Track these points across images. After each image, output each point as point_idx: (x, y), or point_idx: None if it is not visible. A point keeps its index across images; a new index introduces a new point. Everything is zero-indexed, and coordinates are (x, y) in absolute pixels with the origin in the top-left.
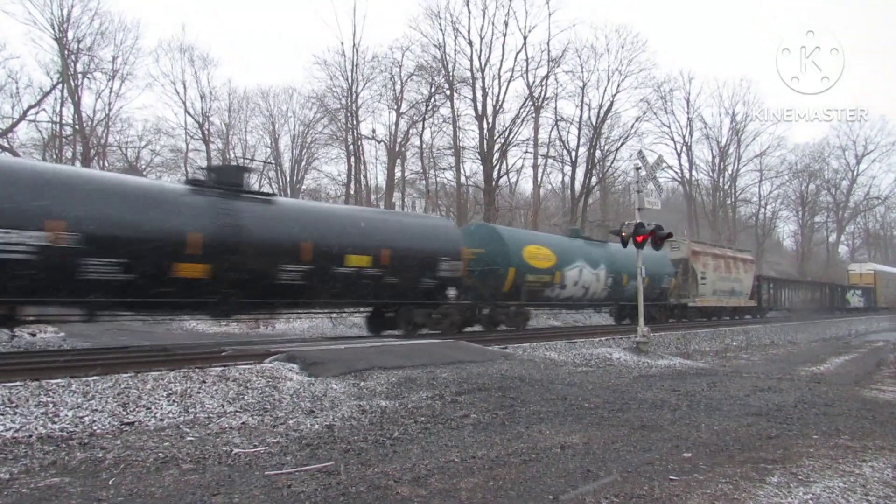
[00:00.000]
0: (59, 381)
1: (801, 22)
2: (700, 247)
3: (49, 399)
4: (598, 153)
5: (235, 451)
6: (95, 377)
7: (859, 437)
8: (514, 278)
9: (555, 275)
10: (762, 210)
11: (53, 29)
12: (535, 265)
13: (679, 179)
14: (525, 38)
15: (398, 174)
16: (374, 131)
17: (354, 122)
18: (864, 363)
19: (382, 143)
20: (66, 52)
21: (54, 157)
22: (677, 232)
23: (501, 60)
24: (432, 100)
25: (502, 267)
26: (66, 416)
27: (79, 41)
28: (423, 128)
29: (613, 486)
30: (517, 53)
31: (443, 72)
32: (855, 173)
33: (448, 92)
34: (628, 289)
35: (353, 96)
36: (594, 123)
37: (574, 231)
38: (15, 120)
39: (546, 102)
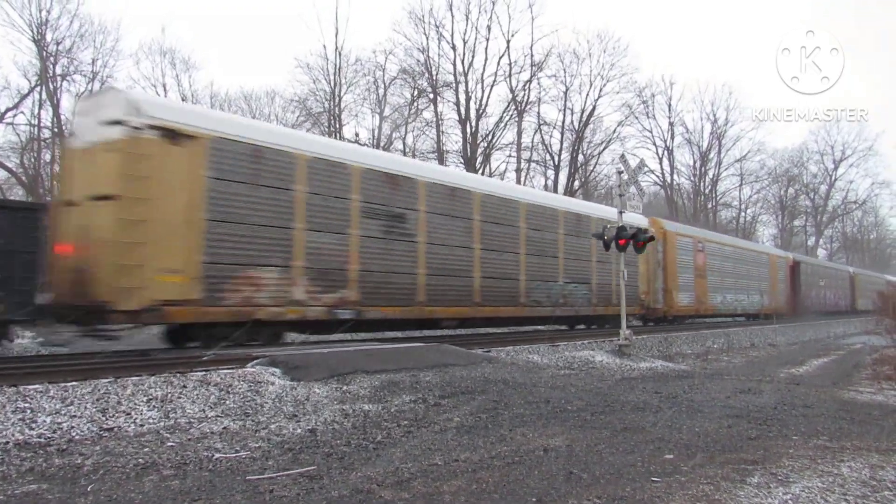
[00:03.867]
0: (36, 386)
1: (791, 23)
2: None
3: (27, 405)
4: (580, 157)
5: (217, 456)
6: (74, 383)
7: (837, 438)
8: None
9: None
10: (742, 214)
11: (32, 31)
12: None
13: (661, 183)
14: (508, 42)
15: None
16: (357, 135)
17: (337, 126)
18: (842, 365)
19: (365, 147)
20: (44, 54)
21: (32, 160)
22: None
23: (485, 65)
24: (415, 103)
25: None
26: (45, 421)
27: (58, 43)
28: (407, 131)
29: (596, 487)
30: (500, 58)
31: (426, 75)
32: (833, 178)
33: (431, 96)
34: None
35: (336, 100)
36: (577, 128)
37: None
38: None
39: (529, 107)
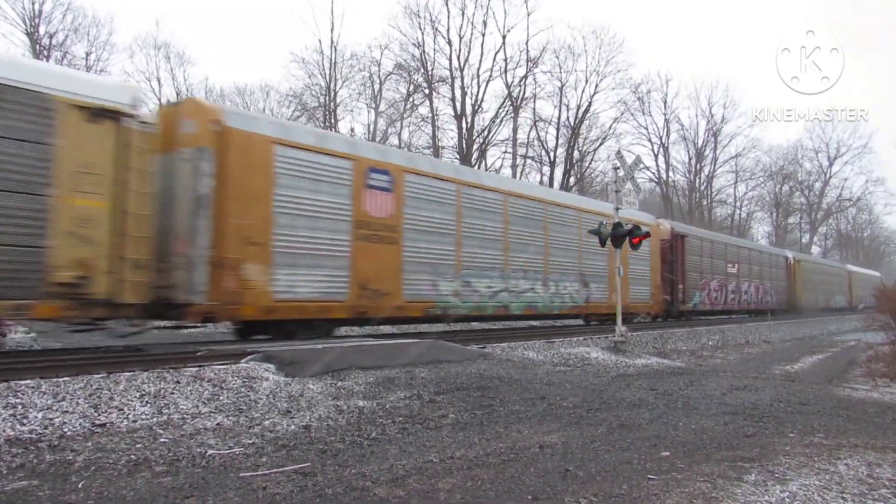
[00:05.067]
0: (28, 381)
1: (789, 21)
2: None
3: (18, 400)
4: (576, 153)
5: (210, 452)
6: (66, 378)
7: (834, 435)
8: None
9: None
10: (737, 211)
11: (25, 24)
12: None
13: (656, 180)
14: (504, 37)
15: None
16: (352, 130)
17: (333, 121)
18: (836, 362)
19: None
20: (37, 47)
21: None
22: None
23: (480, 60)
24: (411, 99)
25: None
26: (36, 417)
27: (51, 36)
28: (402, 127)
29: (592, 485)
30: (496, 53)
31: (422, 71)
32: (827, 175)
33: (427, 91)
34: None
35: (332, 95)
36: (572, 124)
37: None
38: None
39: (525, 103)
